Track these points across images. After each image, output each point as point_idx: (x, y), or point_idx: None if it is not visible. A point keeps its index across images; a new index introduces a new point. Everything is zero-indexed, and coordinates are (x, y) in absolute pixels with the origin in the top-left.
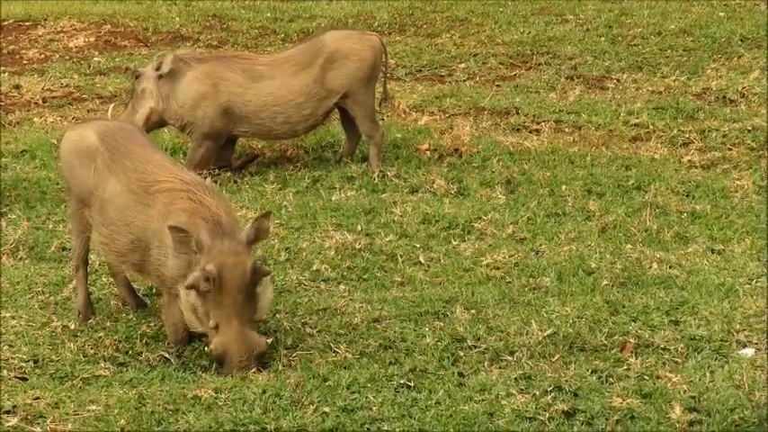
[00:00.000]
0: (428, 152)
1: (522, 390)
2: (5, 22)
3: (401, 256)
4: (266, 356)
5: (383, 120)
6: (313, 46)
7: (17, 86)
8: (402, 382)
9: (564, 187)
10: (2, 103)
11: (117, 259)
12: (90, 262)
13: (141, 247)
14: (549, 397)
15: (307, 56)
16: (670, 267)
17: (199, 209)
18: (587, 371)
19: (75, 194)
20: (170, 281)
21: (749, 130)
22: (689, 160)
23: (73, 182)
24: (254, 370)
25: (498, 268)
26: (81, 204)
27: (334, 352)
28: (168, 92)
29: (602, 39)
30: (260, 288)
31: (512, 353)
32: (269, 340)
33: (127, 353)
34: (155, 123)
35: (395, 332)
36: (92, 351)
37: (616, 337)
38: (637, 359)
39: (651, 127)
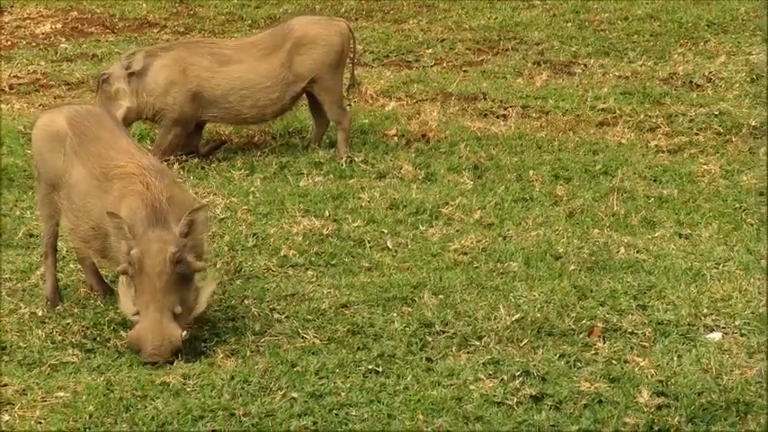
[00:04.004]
0: (395, 138)
1: (490, 374)
2: None
3: (369, 242)
4: (183, 350)
5: (350, 105)
6: (281, 31)
7: None
8: (370, 367)
9: (531, 172)
10: None
11: (82, 245)
12: (58, 248)
13: (102, 233)
14: (517, 381)
15: (275, 40)
16: (637, 252)
17: (145, 193)
18: (555, 355)
19: (44, 179)
20: None
21: (716, 115)
22: (656, 145)
23: (42, 167)
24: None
25: (466, 253)
26: (50, 189)
27: (303, 338)
28: (137, 86)
29: (569, 24)
30: (201, 282)
31: (480, 338)
32: (184, 334)
33: (95, 339)
34: (131, 121)
35: (363, 318)
36: (60, 338)
37: (584, 322)
38: (604, 343)
39: (618, 112)
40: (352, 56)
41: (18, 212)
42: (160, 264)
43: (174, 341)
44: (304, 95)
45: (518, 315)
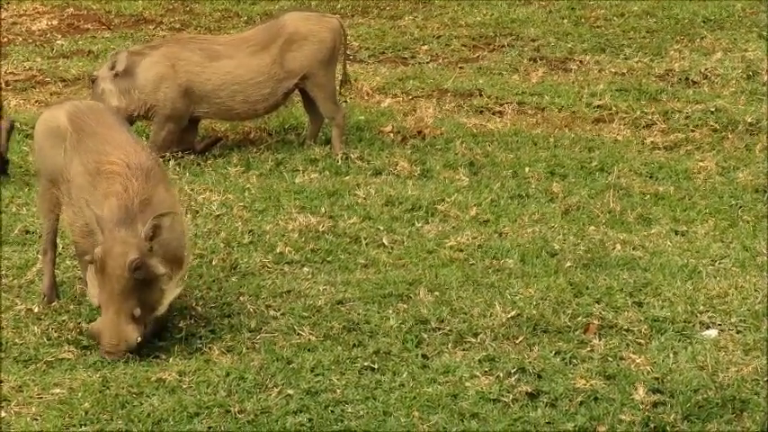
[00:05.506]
0: (391, 134)
1: (485, 371)
2: None
3: (365, 239)
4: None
5: (346, 102)
6: (273, 27)
7: None
8: (366, 364)
9: (527, 169)
10: None
11: (81, 241)
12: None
13: (92, 231)
14: (513, 379)
15: (266, 36)
16: (633, 249)
17: (121, 194)
18: (551, 352)
19: (44, 175)
20: None
21: (712, 112)
22: (652, 142)
23: (43, 162)
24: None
25: (462, 250)
26: (50, 185)
27: (298, 334)
28: (127, 85)
29: (565, 20)
30: (165, 285)
31: (475, 335)
32: (139, 338)
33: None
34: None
35: (358, 314)
36: (56, 334)
37: (580, 319)
38: (600, 340)
39: (614, 108)
40: (344, 52)
41: (14, 209)
42: (119, 268)
43: (130, 343)
44: (297, 92)
45: (514, 312)
